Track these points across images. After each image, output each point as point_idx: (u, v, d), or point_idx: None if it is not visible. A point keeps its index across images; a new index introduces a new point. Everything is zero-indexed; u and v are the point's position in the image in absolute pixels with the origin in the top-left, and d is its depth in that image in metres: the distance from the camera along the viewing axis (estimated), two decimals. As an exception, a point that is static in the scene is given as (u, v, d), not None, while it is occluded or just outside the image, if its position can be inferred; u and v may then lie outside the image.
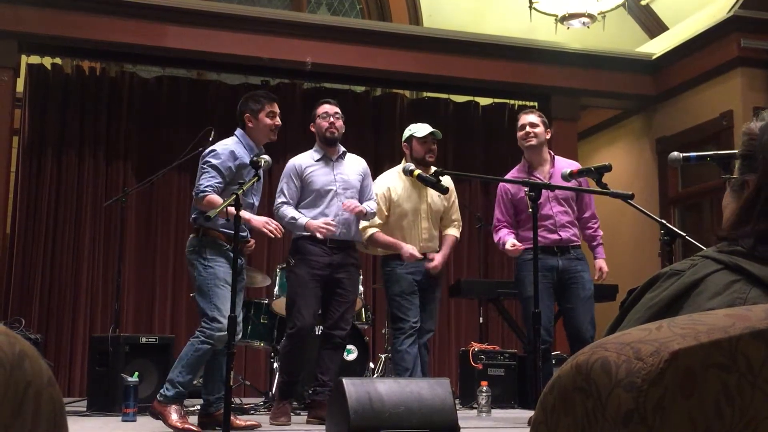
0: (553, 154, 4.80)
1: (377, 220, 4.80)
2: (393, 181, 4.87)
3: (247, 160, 4.17)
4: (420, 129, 4.83)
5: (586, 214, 4.78)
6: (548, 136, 4.75)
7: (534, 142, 4.66)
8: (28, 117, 6.84)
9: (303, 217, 4.50)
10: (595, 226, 4.78)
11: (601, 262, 4.71)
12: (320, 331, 4.77)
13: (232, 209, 3.70)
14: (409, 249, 4.70)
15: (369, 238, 4.81)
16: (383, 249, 4.85)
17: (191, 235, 4.26)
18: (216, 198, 4.08)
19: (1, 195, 6.37)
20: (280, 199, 4.60)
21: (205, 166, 4.20)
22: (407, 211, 4.80)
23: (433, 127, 4.84)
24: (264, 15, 7.10)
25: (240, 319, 4.26)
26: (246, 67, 7.22)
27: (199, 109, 7.13)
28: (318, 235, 4.43)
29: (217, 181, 4.14)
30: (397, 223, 4.81)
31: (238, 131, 4.35)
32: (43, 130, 6.85)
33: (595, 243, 4.77)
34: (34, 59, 6.97)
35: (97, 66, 7.18)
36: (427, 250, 4.83)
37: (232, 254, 3.94)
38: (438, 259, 4.82)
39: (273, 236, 4.26)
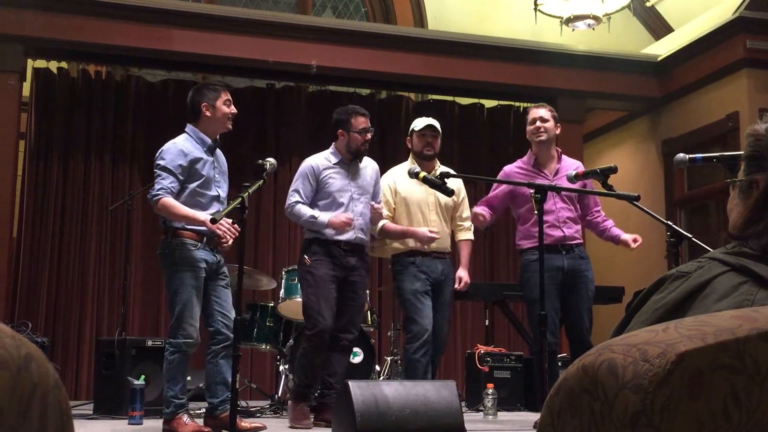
0: (560, 151, 4.73)
1: (386, 212, 4.76)
2: (399, 175, 4.81)
3: (199, 155, 4.11)
4: (418, 122, 4.80)
5: (595, 209, 4.68)
6: (558, 131, 4.66)
7: (544, 137, 4.58)
8: (34, 121, 6.85)
9: (323, 215, 4.45)
10: (603, 214, 4.69)
11: (627, 237, 4.55)
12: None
13: (204, 217, 3.82)
14: (423, 230, 4.60)
15: (381, 230, 4.75)
16: (395, 239, 4.74)
17: (162, 237, 4.17)
18: (171, 201, 3.99)
19: (7, 199, 6.39)
20: (293, 198, 4.52)
21: (156, 170, 4.10)
22: (413, 203, 4.72)
23: (440, 130, 4.82)
24: (269, 18, 7.11)
25: (232, 317, 4.06)
26: (251, 70, 7.24)
27: (205, 112, 7.12)
28: (345, 229, 4.41)
29: (170, 181, 4.03)
30: (404, 216, 4.73)
31: (189, 127, 4.23)
32: (49, 134, 6.87)
33: (610, 226, 4.64)
34: (40, 63, 6.99)
35: (103, 70, 7.19)
36: (438, 247, 4.71)
37: (205, 251, 4.02)
38: (465, 276, 4.80)
39: (224, 241, 4.00)
